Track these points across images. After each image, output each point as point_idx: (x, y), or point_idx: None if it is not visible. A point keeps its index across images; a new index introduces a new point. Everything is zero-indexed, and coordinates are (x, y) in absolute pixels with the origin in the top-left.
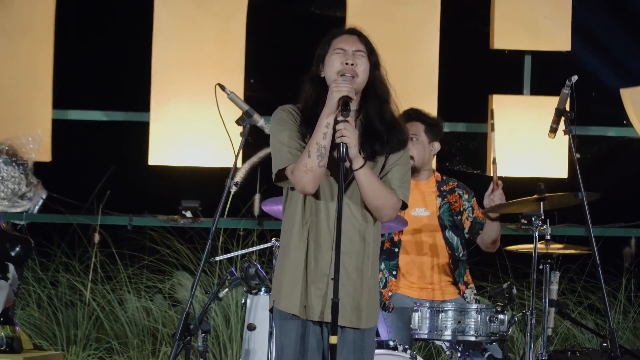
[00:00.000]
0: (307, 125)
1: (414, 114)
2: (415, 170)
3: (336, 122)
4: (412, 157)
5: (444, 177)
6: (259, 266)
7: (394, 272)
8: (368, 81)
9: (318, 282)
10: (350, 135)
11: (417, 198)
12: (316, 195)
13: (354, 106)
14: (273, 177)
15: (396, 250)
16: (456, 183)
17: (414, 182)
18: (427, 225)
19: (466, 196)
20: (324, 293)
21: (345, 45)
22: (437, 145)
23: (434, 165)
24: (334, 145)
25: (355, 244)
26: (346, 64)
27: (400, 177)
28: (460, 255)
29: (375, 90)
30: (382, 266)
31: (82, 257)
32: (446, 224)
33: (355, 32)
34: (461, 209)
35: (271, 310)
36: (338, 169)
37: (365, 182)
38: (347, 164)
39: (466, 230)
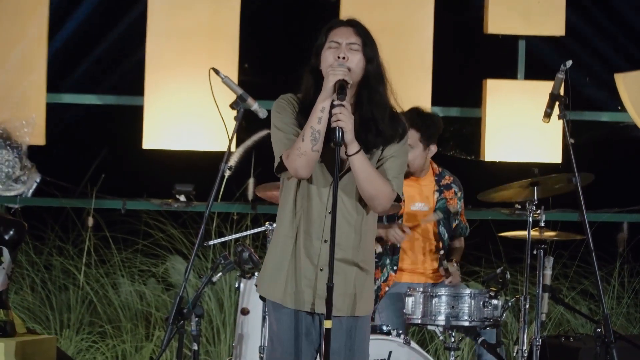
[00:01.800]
0: (305, 116)
1: (409, 119)
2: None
3: (332, 106)
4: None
5: (440, 169)
6: (252, 250)
7: (395, 268)
8: (363, 74)
9: (306, 272)
10: (345, 120)
11: (417, 193)
12: (309, 183)
13: (349, 99)
14: (274, 167)
15: (398, 245)
16: (452, 178)
17: (413, 179)
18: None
19: (459, 194)
20: (313, 284)
21: (340, 38)
22: (433, 148)
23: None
24: (330, 133)
25: (346, 235)
26: (338, 57)
27: (395, 169)
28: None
29: (369, 82)
30: (387, 261)
31: (75, 241)
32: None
33: (352, 24)
34: (457, 208)
35: (262, 298)
36: (332, 157)
37: (360, 168)
38: (343, 149)
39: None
